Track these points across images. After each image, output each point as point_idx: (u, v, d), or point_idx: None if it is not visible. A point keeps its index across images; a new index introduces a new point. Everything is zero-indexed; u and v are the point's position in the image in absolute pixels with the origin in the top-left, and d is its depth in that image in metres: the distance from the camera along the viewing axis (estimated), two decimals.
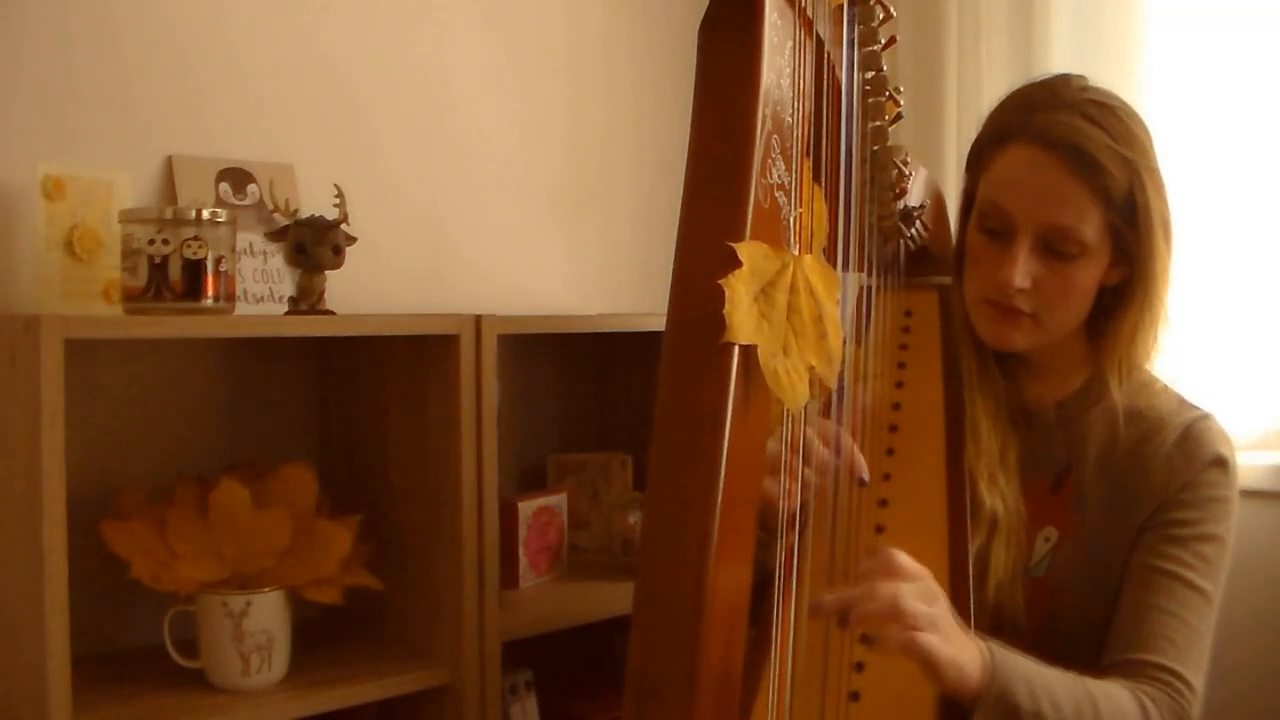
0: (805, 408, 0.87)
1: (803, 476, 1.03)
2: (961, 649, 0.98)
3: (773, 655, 0.92)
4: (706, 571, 0.69)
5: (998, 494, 1.21)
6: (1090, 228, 1.17)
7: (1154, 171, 1.19)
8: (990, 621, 1.16)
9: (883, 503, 1.20)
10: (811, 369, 0.80)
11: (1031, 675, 1.02)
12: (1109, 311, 1.24)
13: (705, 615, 0.68)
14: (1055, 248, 1.18)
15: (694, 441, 0.71)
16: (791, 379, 0.77)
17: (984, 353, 1.28)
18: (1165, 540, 1.17)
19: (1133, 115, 1.20)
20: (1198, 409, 1.24)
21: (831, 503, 1.10)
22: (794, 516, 1.01)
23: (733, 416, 0.71)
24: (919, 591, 0.96)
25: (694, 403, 0.72)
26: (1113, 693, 1.07)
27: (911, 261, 1.42)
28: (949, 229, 1.44)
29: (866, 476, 1.09)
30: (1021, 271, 1.19)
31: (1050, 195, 1.17)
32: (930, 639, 0.94)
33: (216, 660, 1.39)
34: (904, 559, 0.98)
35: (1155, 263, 1.21)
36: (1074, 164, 1.16)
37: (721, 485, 0.70)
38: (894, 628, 0.94)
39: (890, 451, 1.25)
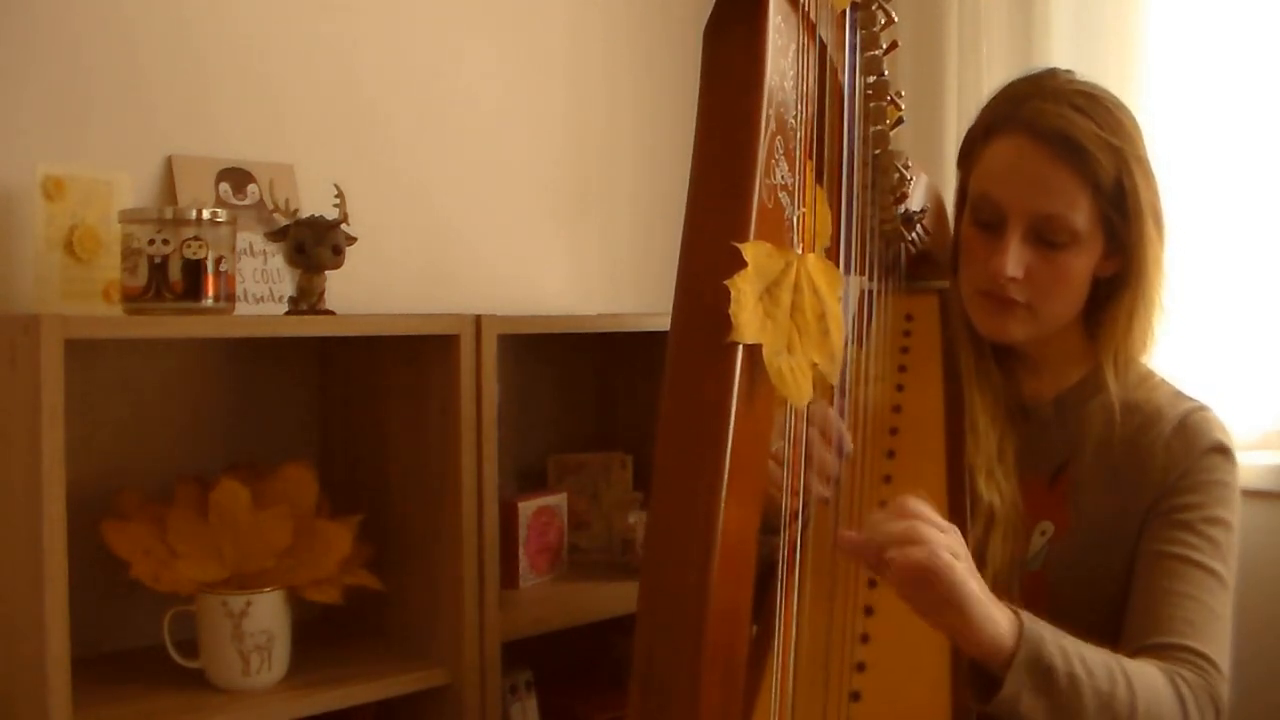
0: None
1: (805, 481, 1.03)
2: (993, 607, 0.97)
3: (774, 654, 0.92)
4: (711, 567, 0.69)
5: (995, 488, 1.21)
6: (1080, 215, 1.18)
7: (1142, 160, 1.20)
8: None
9: (883, 504, 1.19)
10: (815, 366, 0.81)
11: (1062, 639, 1.01)
12: (1104, 303, 1.25)
13: (710, 609, 0.69)
14: (1046, 237, 1.19)
15: (698, 439, 0.71)
16: (796, 376, 0.77)
17: (982, 349, 1.29)
18: (1170, 525, 1.16)
19: (1120, 106, 1.22)
20: (1194, 400, 1.24)
21: (834, 504, 1.11)
22: (796, 516, 1.01)
23: (736, 414, 0.72)
24: (948, 542, 0.95)
25: (699, 401, 0.73)
26: (1144, 667, 1.06)
27: (912, 265, 1.42)
28: (949, 233, 1.45)
29: (849, 448, 1.12)
30: (1013, 261, 1.19)
31: (1039, 184, 1.18)
32: (961, 572, 0.93)
33: (216, 660, 1.39)
34: (931, 512, 0.97)
35: (1147, 252, 1.21)
36: (1061, 152, 1.17)
37: (726, 481, 0.70)
38: (916, 551, 0.92)
39: (891, 454, 1.25)
